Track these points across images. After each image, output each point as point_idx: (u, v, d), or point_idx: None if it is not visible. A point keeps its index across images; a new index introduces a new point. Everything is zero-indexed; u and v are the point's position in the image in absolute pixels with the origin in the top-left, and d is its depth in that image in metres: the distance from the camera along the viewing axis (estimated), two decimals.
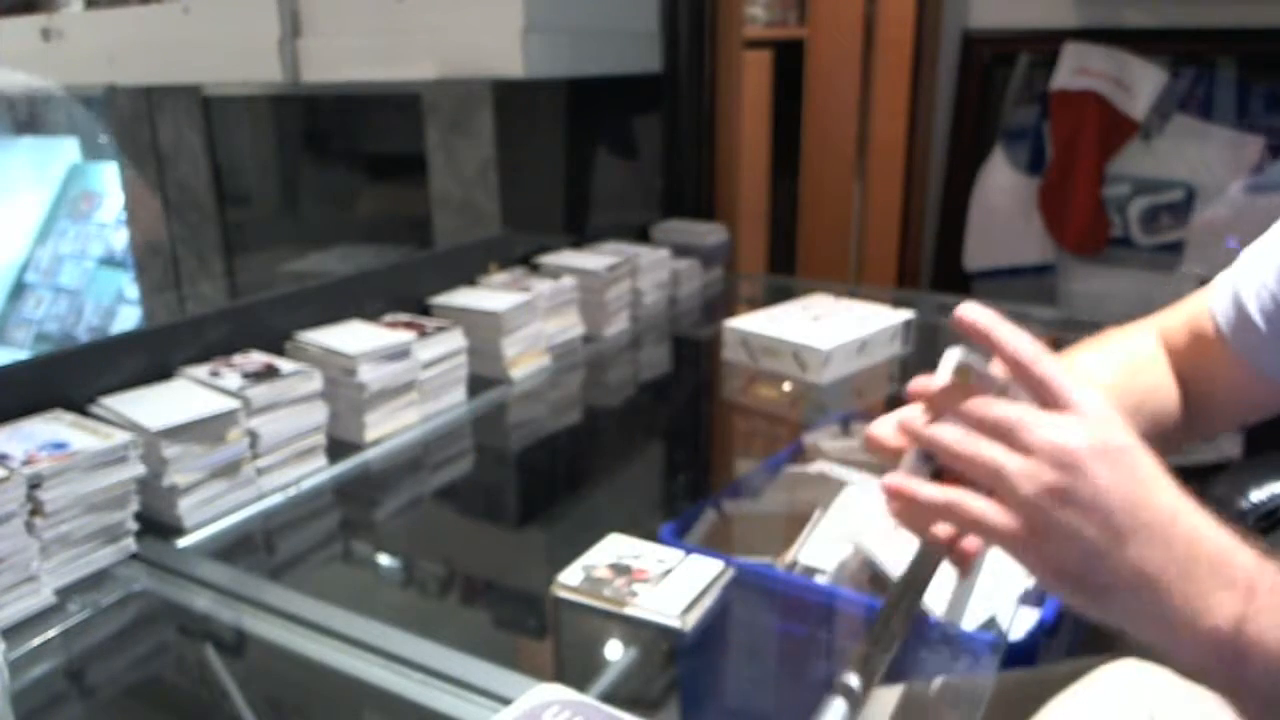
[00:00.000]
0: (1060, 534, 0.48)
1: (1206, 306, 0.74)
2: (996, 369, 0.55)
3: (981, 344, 0.53)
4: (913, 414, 0.57)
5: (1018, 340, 0.52)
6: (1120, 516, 0.48)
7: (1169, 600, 0.48)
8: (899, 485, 0.54)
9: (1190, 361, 0.75)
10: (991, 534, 0.51)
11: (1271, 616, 0.47)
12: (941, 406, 0.55)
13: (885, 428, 0.59)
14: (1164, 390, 0.76)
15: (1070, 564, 0.49)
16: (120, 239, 2.33)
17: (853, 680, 0.51)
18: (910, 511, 0.55)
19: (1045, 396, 0.51)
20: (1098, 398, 0.51)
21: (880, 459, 0.59)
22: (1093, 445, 0.48)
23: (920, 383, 0.57)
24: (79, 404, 0.92)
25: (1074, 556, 0.49)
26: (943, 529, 0.57)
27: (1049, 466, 0.49)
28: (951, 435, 0.53)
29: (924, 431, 0.54)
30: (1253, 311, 0.68)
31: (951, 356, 0.56)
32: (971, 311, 0.52)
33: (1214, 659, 0.49)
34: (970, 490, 0.52)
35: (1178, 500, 0.49)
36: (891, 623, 0.56)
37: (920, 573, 0.59)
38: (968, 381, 0.54)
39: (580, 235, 1.69)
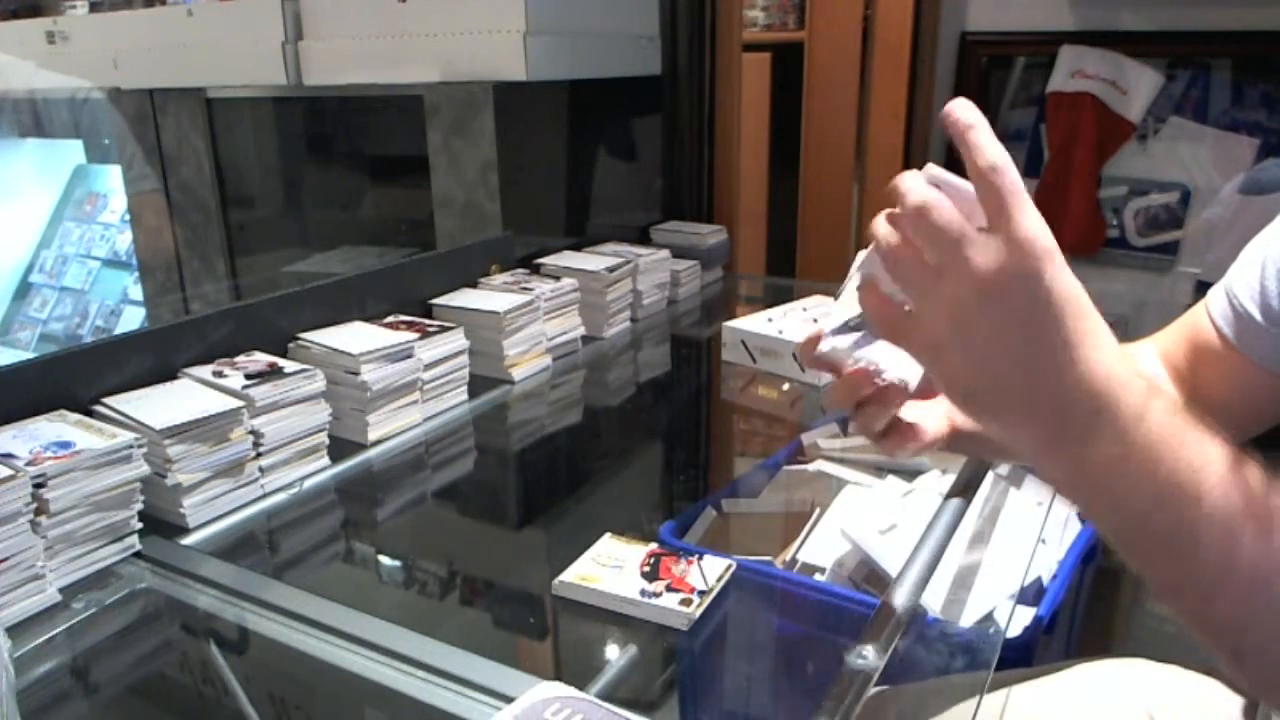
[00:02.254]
0: (959, 354, 0.50)
1: (1205, 319, 0.73)
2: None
3: (957, 138, 0.51)
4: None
5: (990, 147, 0.50)
6: (1012, 345, 0.49)
7: (1043, 432, 0.50)
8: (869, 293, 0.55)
9: (1195, 377, 0.75)
10: (912, 333, 0.52)
11: (1139, 451, 0.47)
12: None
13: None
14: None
15: (966, 382, 0.51)
16: (124, 240, 2.33)
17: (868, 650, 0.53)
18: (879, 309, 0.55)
19: (990, 209, 0.50)
20: (1037, 224, 0.50)
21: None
22: (999, 274, 0.49)
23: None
24: (83, 404, 0.92)
25: (968, 377, 0.51)
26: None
27: (956, 287, 0.49)
28: (888, 238, 0.53)
29: (875, 227, 0.55)
30: (1252, 310, 0.69)
31: (864, 262, 0.57)
32: (961, 109, 0.51)
33: (1078, 489, 0.51)
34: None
35: (1074, 336, 0.49)
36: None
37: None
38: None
39: (581, 237, 1.70)
